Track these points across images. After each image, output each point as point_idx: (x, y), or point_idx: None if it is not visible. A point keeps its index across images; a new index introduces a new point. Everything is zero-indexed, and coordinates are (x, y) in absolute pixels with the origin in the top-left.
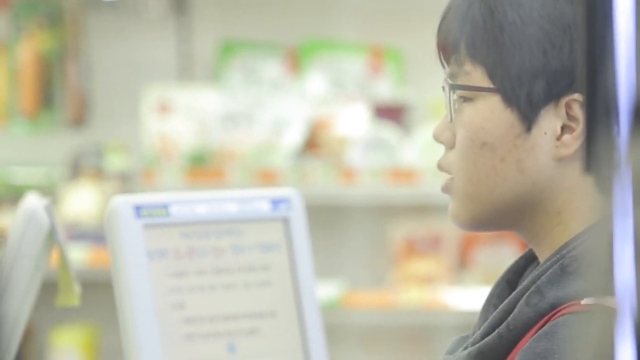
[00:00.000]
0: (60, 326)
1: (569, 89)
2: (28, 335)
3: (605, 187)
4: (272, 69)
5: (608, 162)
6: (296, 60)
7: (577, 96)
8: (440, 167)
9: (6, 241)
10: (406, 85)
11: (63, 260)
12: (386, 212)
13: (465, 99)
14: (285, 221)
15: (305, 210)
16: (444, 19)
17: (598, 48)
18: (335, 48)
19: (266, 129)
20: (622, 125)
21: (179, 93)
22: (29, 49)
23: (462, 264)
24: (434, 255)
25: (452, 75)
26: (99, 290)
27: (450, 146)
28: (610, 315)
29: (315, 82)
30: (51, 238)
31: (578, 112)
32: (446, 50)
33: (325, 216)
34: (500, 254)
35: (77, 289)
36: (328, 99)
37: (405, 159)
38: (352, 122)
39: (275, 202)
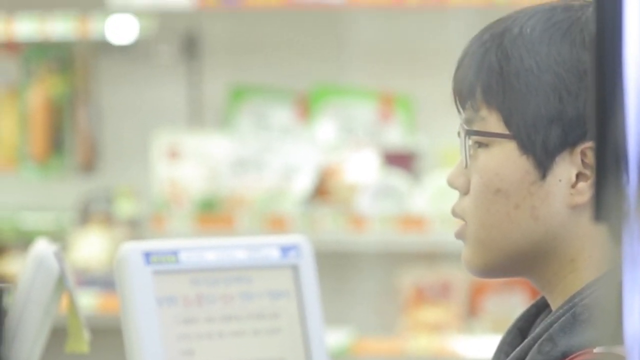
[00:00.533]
0: None
1: (584, 136)
2: None
3: (614, 235)
4: (282, 114)
5: (617, 211)
6: (306, 106)
7: (592, 144)
8: (454, 213)
9: (16, 287)
10: (416, 132)
11: (73, 306)
12: (395, 259)
13: (481, 145)
14: (295, 268)
15: (315, 257)
16: (460, 64)
17: (608, 96)
18: (345, 94)
19: (276, 175)
20: (631, 174)
21: (188, 138)
22: (39, 94)
23: (471, 312)
24: (443, 303)
25: (467, 121)
26: (109, 337)
27: (465, 192)
28: None
29: (325, 128)
30: (61, 284)
31: (593, 159)
32: (462, 95)
33: (335, 263)
34: (510, 302)
35: (86, 335)
36: (338, 145)
37: (415, 207)
38: (362, 169)
39: (285, 250)
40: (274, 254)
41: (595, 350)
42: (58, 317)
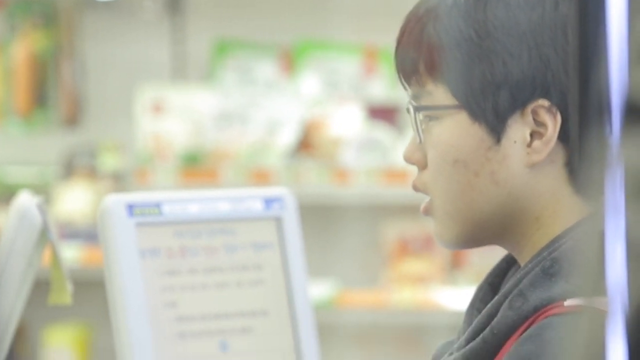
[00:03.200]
0: (53, 324)
1: (533, 95)
2: (20, 334)
3: (597, 185)
4: (266, 69)
5: (600, 161)
6: (290, 60)
7: (541, 102)
8: (415, 188)
9: None
10: (400, 86)
11: (55, 258)
12: (379, 212)
13: (432, 118)
14: (278, 220)
15: (299, 210)
16: (399, 42)
17: (590, 46)
18: (329, 48)
19: (260, 129)
20: (614, 123)
21: (172, 93)
22: (23, 49)
23: (455, 264)
24: (427, 255)
25: (415, 97)
26: (92, 289)
27: (423, 167)
28: (598, 316)
29: (309, 82)
30: (44, 236)
31: (545, 117)
32: (406, 72)
33: (319, 216)
34: (493, 254)
35: (69, 287)
36: (322, 99)
37: (399, 160)
38: (346, 123)
39: (268, 202)
40: (257, 206)
41: (565, 303)
42: (41, 269)
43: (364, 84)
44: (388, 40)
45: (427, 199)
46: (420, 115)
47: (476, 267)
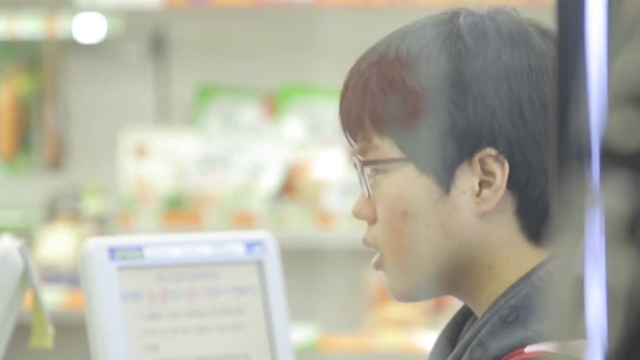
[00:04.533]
0: None
1: (479, 145)
2: None
3: (576, 229)
4: (249, 113)
5: (579, 205)
6: (273, 104)
7: (489, 150)
8: (366, 243)
9: None
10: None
11: (37, 301)
12: (362, 256)
13: (379, 172)
14: (260, 264)
15: (282, 254)
16: (343, 98)
17: (570, 91)
18: (313, 93)
19: (243, 173)
20: (593, 169)
21: (156, 136)
22: (6, 92)
23: (437, 308)
24: None
25: (361, 151)
26: (75, 333)
27: (372, 221)
28: None
29: (293, 126)
30: (25, 279)
31: (492, 166)
32: (351, 127)
33: (302, 260)
34: None
35: (50, 331)
36: (305, 143)
37: None
38: (329, 167)
39: (250, 245)
40: (239, 250)
41: (525, 350)
42: (22, 312)
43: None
44: None
45: (377, 254)
46: (368, 170)
47: None
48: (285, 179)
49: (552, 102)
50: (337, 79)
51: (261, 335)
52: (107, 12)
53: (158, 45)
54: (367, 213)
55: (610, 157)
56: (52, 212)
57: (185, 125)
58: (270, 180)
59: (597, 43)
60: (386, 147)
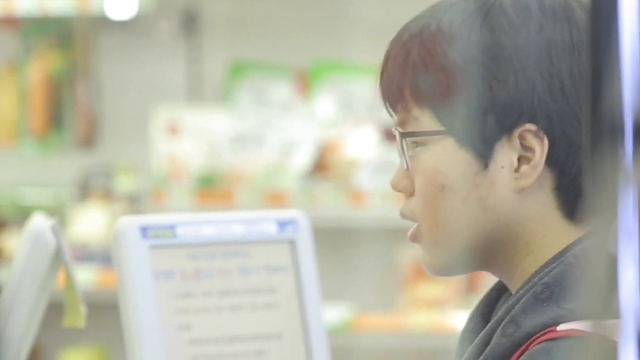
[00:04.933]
0: (67, 348)
1: (520, 120)
2: (35, 357)
3: (610, 207)
4: (281, 90)
5: (613, 183)
6: (306, 82)
7: (529, 126)
8: (403, 215)
9: (13, 261)
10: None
11: (70, 281)
12: (395, 235)
13: (418, 145)
14: (292, 243)
15: (314, 233)
16: (384, 69)
17: (604, 67)
18: (345, 70)
19: (275, 151)
20: (627, 145)
21: (188, 114)
22: (38, 70)
23: (470, 288)
24: (442, 279)
25: (401, 123)
26: (108, 312)
27: (410, 194)
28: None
29: (325, 104)
30: (58, 259)
31: (532, 141)
32: (392, 99)
33: (334, 239)
34: None
35: (83, 310)
36: (337, 121)
37: None
38: (362, 145)
39: (282, 225)
40: (272, 229)
41: (558, 328)
42: (55, 292)
43: (380, 106)
44: None
45: (414, 226)
46: (407, 142)
47: None
48: (317, 157)
49: (585, 79)
50: (369, 56)
51: (294, 315)
52: None
53: (190, 23)
54: (405, 185)
55: None
56: (85, 190)
57: (217, 103)
58: (303, 159)
59: (630, 19)
60: (426, 120)
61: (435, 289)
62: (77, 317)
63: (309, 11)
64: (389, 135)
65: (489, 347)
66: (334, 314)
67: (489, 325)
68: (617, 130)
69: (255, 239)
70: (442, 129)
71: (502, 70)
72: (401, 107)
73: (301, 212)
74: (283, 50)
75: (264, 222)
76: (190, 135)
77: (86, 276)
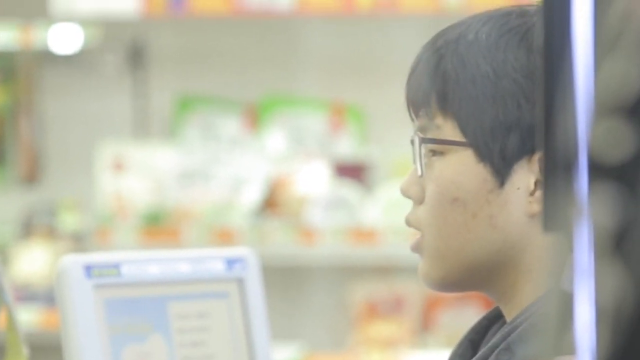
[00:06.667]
0: None
1: None
2: None
3: (564, 244)
4: (230, 125)
5: (567, 220)
6: (255, 116)
7: None
8: (408, 223)
9: None
10: (368, 143)
11: (11, 321)
12: (347, 272)
13: (436, 153)
14: (240, 282)
15: (263, 271)
16: (413, 71)
17: (557, 101)
18: (295, 104)
19: (224, 187)
20: (581, 181)
21: (134, 150)
22: None
23: (425, 327)
24: (396, 318)
25: (422, 129)
26: (51, 354)
27: (419, 201)
28: None
29: (275, 139)
30: None
31: (542, 167)
32: (416, 103)
33: (284, 277)
34: (464, 316)
35: (25, 352)
36: (288, 156)
37: (367, 219)
38: (313, 181)
39: (230, 262)
40: (219, 267)
41: None
42: None
43: (331, 141)
44: (355, 96)
45: (417, 235)
46: (424, 148)
47: (447, 330)
48: (267, 194)
49: (538, 111)
50: (320, 90)
51: (242, 355)
52: (84, 22)
53: (136, 56)
54: (415, 192)
55: (597, 169)
56: (28, 228)
57: (164, 138)
58: (252, 195)
59: (583, 53)
60: (448, 129)
61: (388, 327)
62: (19, 359)
63: (258, 44)
64: (340, 171)
65: None
66: (284, 354)
67: (482, 351)
68: (571, 165)
69: (202, 277)
70: (464, 140)
71: (533, 90)
72: (424, 112)
73: (250, 250)
74: (232, 84)
75: (211, 259)
76: (136, 171)
77: (29, 316)
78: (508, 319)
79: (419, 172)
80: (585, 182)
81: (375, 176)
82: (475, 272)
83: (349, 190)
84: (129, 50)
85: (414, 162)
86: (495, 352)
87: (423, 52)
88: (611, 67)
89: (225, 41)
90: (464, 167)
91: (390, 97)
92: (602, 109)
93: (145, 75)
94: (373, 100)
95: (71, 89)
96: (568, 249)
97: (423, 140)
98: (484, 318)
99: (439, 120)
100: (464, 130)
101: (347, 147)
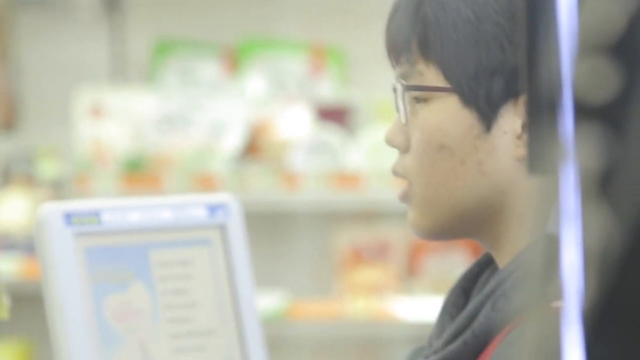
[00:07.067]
0: None
1: None
2: None
3: (549, 187)
4: (209, 69)
5: (553, 162)
6: (234, 59)
7: None
8: (395, 172)
9: None
10: (350, 85)
11: None
12: (331, 218)
13: (419, 100)
14: (223, 228)
15: (246, 218)
16: (392, 17)
17: (540, 42)
18: (275, 47)
19: (204, 132)
20: (565, 123)
21: (112, 95)
22: None
23: (410, 273)
24: (381, 264)
25: (404, 76)
26: (32, 303)
27: (405, 150)
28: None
29: (255, 82)
30: None
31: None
32: (396, 49)
33: (267, 223)
34: (449, 262)
35: (6, 302)
36: (268, 100)
37: (350, 163)
38: (294, 125)
39: (212, 209)
40: (201, 214)
41: (553, 305)
42: None
43: (312, 84)
44: (336, 38)
45: (405, 185)
46: (408, 96)
47: (432, 276)
48: (248, 139)
49: (521, 53)
50: (300, 32)
51: (225, 303)
52: None
53: (112, 0)
54: (401, 140)
55: (581, 110)
56: (6, 176)
57: (142, 84)
58: (233, 140)
59: None
60: (431, 75)
61: (373, 273)
62: (0, 310)
63: None
64: (322, 114)
65: (477, 320)
66: (268, 302)
67: (478, 297)
68: (555, 106)
69: (183, 224)
70: (448, 85)
71: (516, 32)
72: (405, 59)
73: (232, 196)
74: (210, 27)
75: (193, 206)
76: (115, 117)
77: (8, 266)
78: (500, 265)
79: (403, 120)
80: (570, 123)
81: (358, 119)
82: (466, 220)
83: (331, 134)
84: None
85: (397, 110)
86: (491, 298)
87: None
88: (594, 5)
89: None
90: (449, 113)
91: (371, 38)
92: (586, 48)
93: (121, 19)
94: (354, 42)
95: (47, 34)
96: (554, 191)
97: (406, 88)
98: (475, 265)
99: (421, 66)
100: (447, 76)
101: (328, 90)
